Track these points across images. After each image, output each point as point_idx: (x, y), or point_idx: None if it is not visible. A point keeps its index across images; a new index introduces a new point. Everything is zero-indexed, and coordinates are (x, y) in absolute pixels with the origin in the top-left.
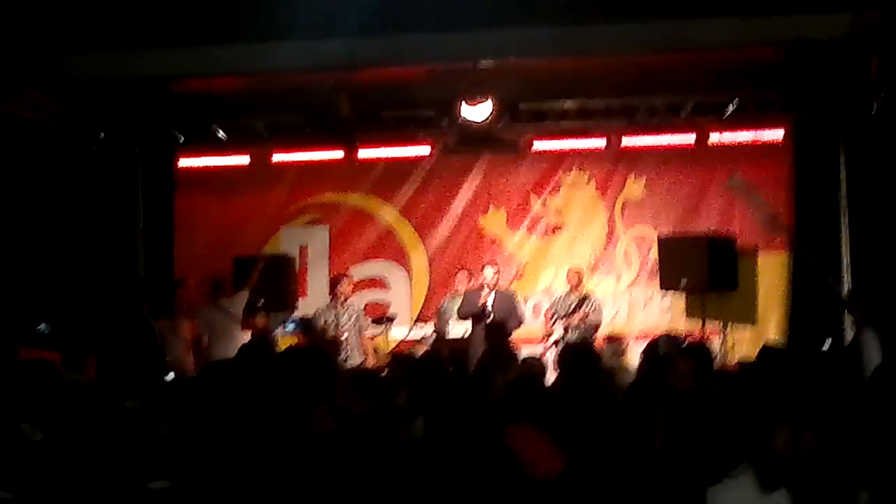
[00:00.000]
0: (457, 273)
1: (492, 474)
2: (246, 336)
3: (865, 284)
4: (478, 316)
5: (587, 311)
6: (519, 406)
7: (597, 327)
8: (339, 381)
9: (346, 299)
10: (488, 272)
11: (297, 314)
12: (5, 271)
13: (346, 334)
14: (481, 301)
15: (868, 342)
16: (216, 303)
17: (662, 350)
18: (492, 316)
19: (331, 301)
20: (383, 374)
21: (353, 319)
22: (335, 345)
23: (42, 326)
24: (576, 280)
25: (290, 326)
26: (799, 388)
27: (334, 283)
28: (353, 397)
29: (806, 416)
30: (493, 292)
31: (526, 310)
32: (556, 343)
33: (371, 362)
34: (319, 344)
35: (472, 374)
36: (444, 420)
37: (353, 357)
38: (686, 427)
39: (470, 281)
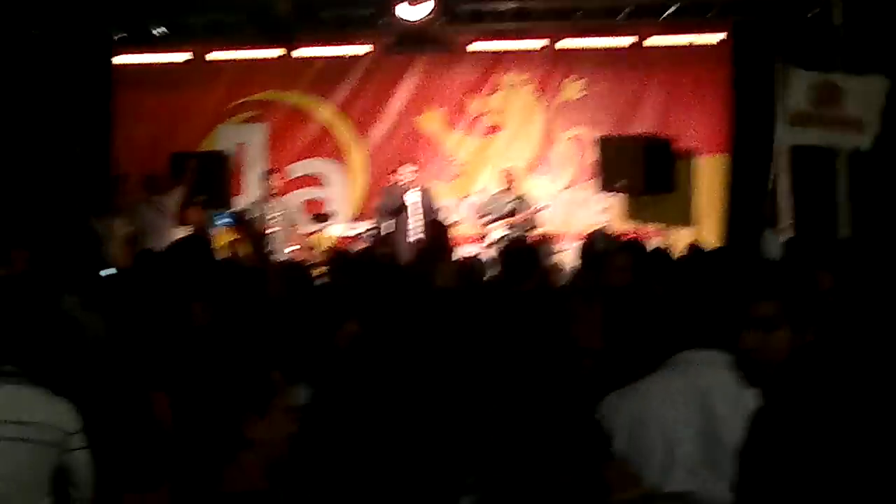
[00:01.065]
0: (386, 176)
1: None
2: (181, 232)
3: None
4: (398, 212)
5: (523, 209)
6: (461, 302)
7: (532, 227)
8: (270, 273)
9: (276, 194)
10: (407, 170)
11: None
12: None
13: (275, 228)
14: (400, 198)
15: (770, 241)
16: (150, 199)
17: (599, 246)
18: (415, 213)
19: (260, 196)
20: (317, 270)
21: (283, 214)
22: (262, 237)
23: None
24: (509, 180)
25: (225, 220)
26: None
27: (265, 178)
28: (279, 288)
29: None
30: (420, 189)
31: (463, 210)
32: (491, 244)
33: (302, 257)
34: (253, 237)
35: (411, 266)
36: (383, 314)
37: (281, 251)
38: (625, 322)
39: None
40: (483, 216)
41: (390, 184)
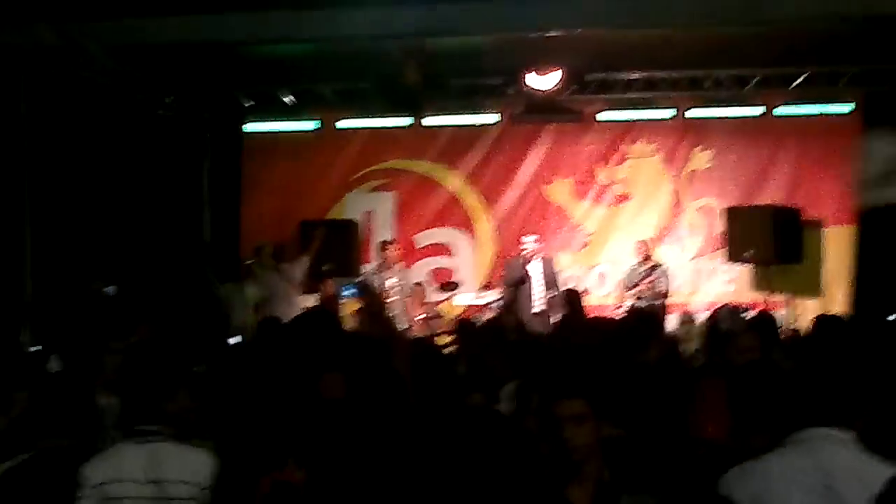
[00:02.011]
0: (515, 246)
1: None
2: (306, 301)
3: None
4: (521, 282)
5: (655, 278)
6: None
7: (665, 295)
8: (397, 347)
9: (393, 264)
10: (530, 241)
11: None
12: (74, 237)
13: (394, 298)
14: (523, 269)
15: None
16: (277, 267)
17: (724, 325)
18: (537, 283)
19: (377, 266)
20: (444, 341)
21: (400, 284)
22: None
23: (109, 289)
24: (644, 250)
25: (349, 291)
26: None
27: (382, 249)
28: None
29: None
30: (539, 259)
31: (592, 279)
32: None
33: (417, 328)
34: (376, 308)
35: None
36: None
37: (399, 321)
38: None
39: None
40: (626, 287)
41: (513, 255)
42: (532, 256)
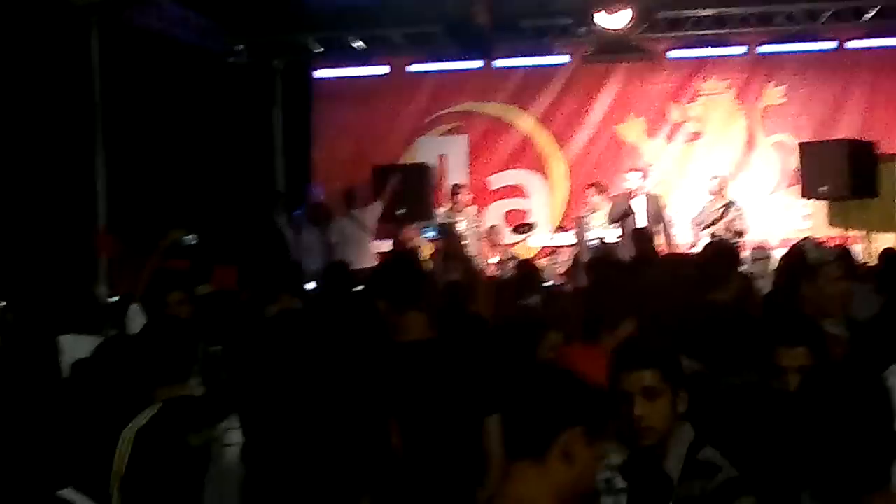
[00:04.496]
0: (586, 189)
1: None
2: (380, 246)
3: None
4: (625, 216)
5: (732, 217)
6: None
7: (741, 233)
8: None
9: (464, 208)
10: (633, 177)
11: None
12: (148, 186)
13: (466, 241)
14: (626, 204)
15: None
16: (349, 213)
17: (812, 256)
18: (641, 219)
19: (450, 209)
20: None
21: (473, 228)
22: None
23: (188, 238)
24: (718, 187)
25: (429, 233)
26: None
27: (453, 194)
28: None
29: None
30: (644, 195)
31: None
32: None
33: (491, 269)
34: (454, 250)
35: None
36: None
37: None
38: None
39: (600, 195)
40: (698, 224)
41: (619, 192)
42: (637, 192)
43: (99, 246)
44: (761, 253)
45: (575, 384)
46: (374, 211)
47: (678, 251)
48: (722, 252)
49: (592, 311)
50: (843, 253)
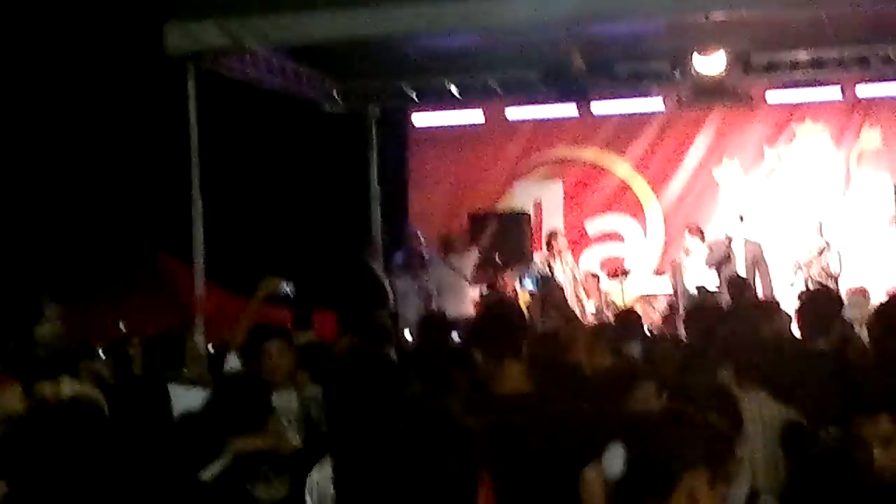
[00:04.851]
0: (683, 231)
1: None
2: (475, 293)
3: None
4: (725, 264)
5: (827, 261)
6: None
7: (836, 278)
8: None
9: (560, 254)
10: (731, 222)
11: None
12: (245, 234)
13: (563, 288)
14: (726, 250)
15: None
16: (445, 259)
17: None
18: (740, 265)
19: (546, 256)
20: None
21: (569, 274)
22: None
23: (286, 286)
24: (813, 230)
25: (527, 283)
26: None
27: (549, 240)
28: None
29: None
30: (742, 241)
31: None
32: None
33: (589, 317)
34: (555, 300)
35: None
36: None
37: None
38: None
39: (697, 238)
40: (795, 267)
41: (717, 237)
42: (734, 237)
43: (194, 305)
44: (859, 299)
45: (698, 426)
46: (471, 258)
47: (775, 297)
48: (823, 299)
49: (691, 359)
50: None
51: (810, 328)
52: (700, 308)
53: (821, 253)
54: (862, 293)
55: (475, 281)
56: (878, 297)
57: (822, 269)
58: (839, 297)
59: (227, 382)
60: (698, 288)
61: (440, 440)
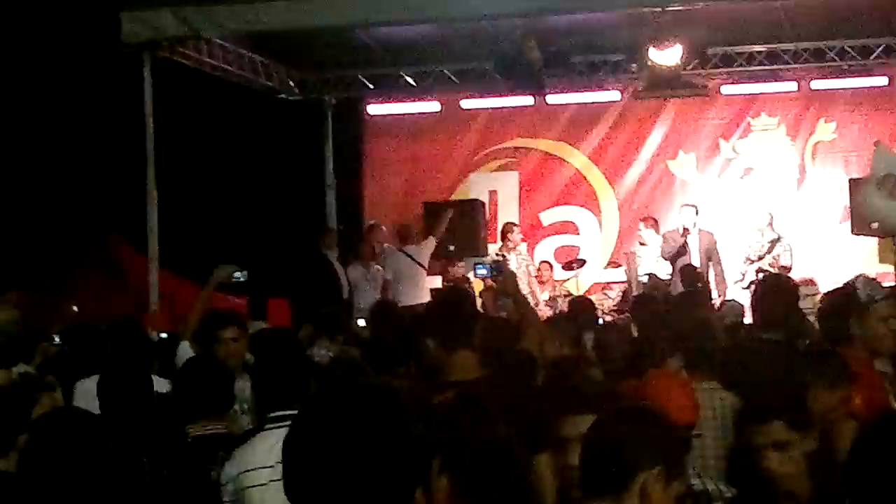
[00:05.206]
0: (638, 222)
1: None
2: (432, 282)
3: None
4: (679, 254)
5: (779, 252)
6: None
7: (787, 269)
8: (531, 327)
9: (515, 247)
10: (686, 213)
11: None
12: (199, 222)
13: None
14: (680, 241)
15: None
16: (401, 249)
17: (863, 293)
18: (695, 256)
19: (500, 248)
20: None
21: (523, 266)
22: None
23: (239, 274)
24: (766, 222)
25: (482, 270)
26: None
27: (504, 233)
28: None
29: None
30: (696, 232)
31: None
32: (750, 286)
33: (540, 306)
34: (509, 288)
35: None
36: None
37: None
38: None
39: (651, 229)
40: (746, 259)
41: (672, 229)
42: (689, 230)
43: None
44: (810, 289)
45: (655, 424)
46: (429, 247)
47: (727, 287)
48: (777, 289)
49: (639, 347)
50: (895, 291)
51: (764, 318)
52: (648, 295)
53: (772, 245)
54: (811, 283)
55: (430, 270)
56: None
57: (774, 261)
58: (794, 287)
59: (192, 368)
60: (648, 275)
61: (386, 422)
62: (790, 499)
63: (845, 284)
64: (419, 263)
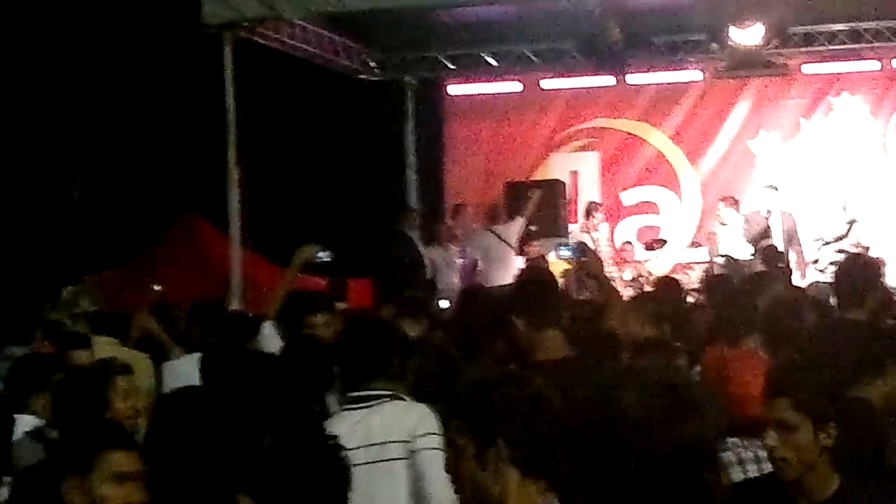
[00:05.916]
0: (718, 202)
1: None
2: (521, 262)
3: None
4: (762, 238)
5: (858, 233)
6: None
7: (866, 250)
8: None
9: (596, 226)
10: (768, 195)
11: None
12: (282, 203)
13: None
14: (764, 224)
15: None
16: (491, 229)
17: None
18: (777, 238)
19: (583, 226)
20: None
21: (604, 243)
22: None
23: (323, 254)
24: (840, 205)
25: (565, 252)
26: None
27: (588, 212)
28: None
29: None
30: (778, 214)
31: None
32: (825, 269)
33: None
34: (594, 269)
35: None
36: None
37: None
38: None
39: (732, 209)
40: (818, 240)
41: (754, 211)
42: (771, 211)
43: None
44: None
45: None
46: (517, 227)
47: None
48: (858, 269)
49: (716, 326)
50: None
51: (845, 297)
52: (722, 275)
53: (850, 227)
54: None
55: (520, 251)
56: None
57: (857, 242)
58: (877, 266)
59: (298, 347)
60: (724, 256)
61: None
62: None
63: None
64: (508, 244)
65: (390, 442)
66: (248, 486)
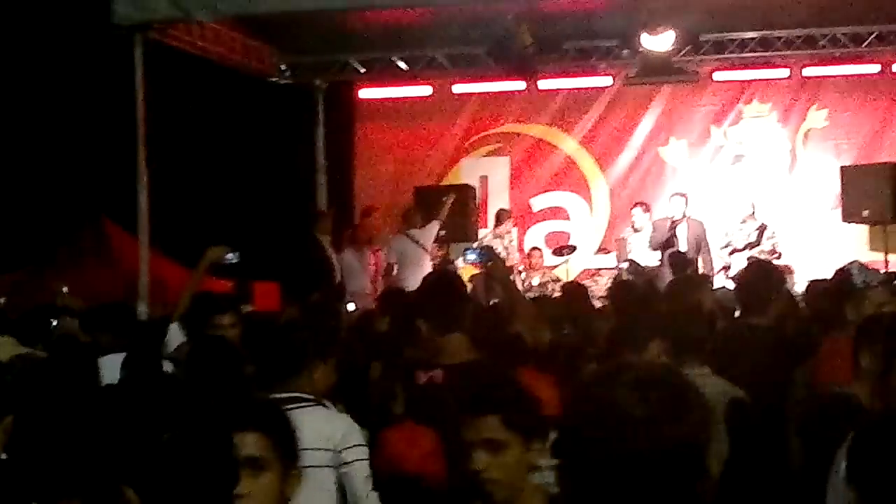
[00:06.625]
0: (632, 208)
1: None
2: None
3: None
4: (667, 246)
5: (767, 240)
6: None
7: (776, 257)
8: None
9: (506, 233)
10: (676, 202)
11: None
12: (190, 204)
13: (509, 263)
14: (669, 231)
15: None
16: (406, 233)
17: (858, 279)
18: (683, 245)
19: (492, 231)
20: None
21: (513, 249)
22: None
23: (230, 256)
24: (748, 212)
25: (472, 256)
26: None
27: (498, 218)
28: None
29: None
30: (685, 221)
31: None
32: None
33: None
34: (499, 273)
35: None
36: None
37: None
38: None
39: (646, 214)
40: (726, 246)
41: (661, 218)
42: (679, 220)
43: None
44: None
45: None
46: (432, 231)
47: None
48: (761, 275)
49: (618, 332)
50: (890, 277)
51: (748, 303)
52: (627, 281)
53: (760, 234)
54: (787, 270)
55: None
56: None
57: (772, 248)
58: (780, 273)
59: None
60: (628, 261)
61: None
62: None
63: (840, 270)
64: (424, 247)
65: (314, 449)
66: (134, 479)
